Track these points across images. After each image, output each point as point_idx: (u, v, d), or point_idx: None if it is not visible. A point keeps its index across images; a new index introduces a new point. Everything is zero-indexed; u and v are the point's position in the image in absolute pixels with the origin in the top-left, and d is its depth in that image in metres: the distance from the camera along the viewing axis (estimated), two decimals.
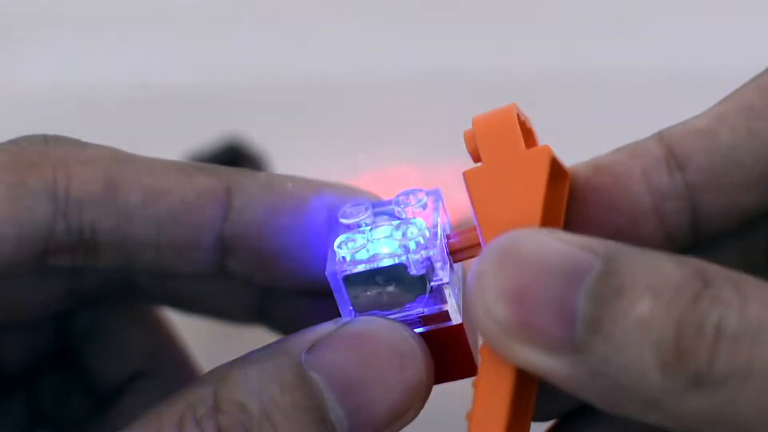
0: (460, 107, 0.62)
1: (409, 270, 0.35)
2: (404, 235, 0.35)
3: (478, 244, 0.34)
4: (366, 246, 0.35)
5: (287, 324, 0.42)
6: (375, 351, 0.34)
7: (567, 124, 0.58)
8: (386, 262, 0.35)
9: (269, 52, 0.63)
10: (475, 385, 0.33)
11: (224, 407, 0.33)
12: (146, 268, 0.38)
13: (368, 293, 0.35)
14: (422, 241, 0.35)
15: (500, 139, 0.34)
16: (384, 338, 0.34)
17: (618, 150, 0.36)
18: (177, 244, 0.37)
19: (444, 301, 0.35)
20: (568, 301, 0.30)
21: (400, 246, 0.35)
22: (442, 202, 0.37)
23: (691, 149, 0.35)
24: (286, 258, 0.37)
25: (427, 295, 0.35)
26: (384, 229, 0.36)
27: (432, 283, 0.35)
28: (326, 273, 0.35)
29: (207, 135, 0.56)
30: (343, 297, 0.35)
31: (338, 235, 0.36)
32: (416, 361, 0.34)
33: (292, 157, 0.58)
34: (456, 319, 0.35)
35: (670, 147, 0.36)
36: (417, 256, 0.35)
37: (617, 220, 0.36)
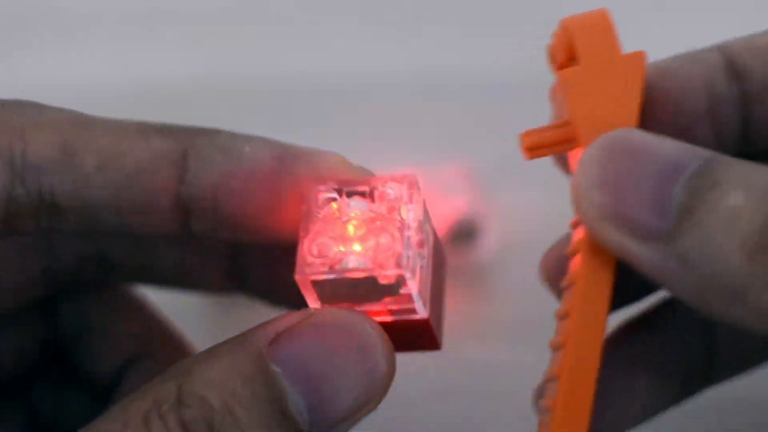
0: (461, 107, 0.62)
1: (379, 281, 0.35)
2: (378, 243, 0.35)
3: (563, 141, 0.35)
4: (337, 248, 0.35)
5: (263, 287, 0.41)
6: (337, 344, 0.34)
7: None
8: (356, 275, 0.35)
9: (269, 52, 0.63)
10: (569, 284, 0.34)
11: (187, 401, 0.33)
12: (111, 231, 0.38)
13: (336, 292, 0.35)
14: (399, 253, 0.35)
15: (598, 41, 0.34)
16: (347, 331, 0.34)
17: (678, 56, 0.37)
18: (135, 207, 0.37)
19: (411, 302, 0.35)
20: (664, 191, 0.31)
21: (371, 257, 0.35)
22: (418, 190, 0.36)
23: (752, 62, 0.36)
24: (245, 220, 0.37)
25: (395, 296, 0.36)
26: (356, 227, 0.36)
27: (401, 290, 0.35)
28: (295, 276, 0.35)
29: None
30: (310, 295, 0.35)
31: (307, 228, 0.36)
32: (378, 353, 0.34)
33: None
34: (422, 313, 0.36)
35: (730, 57, 0.37)
36: (389, 274, 0.35)
37: (678, 122, 0.37)
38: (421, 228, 0.36)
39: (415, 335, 0.37)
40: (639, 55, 0.35)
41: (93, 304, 0.44)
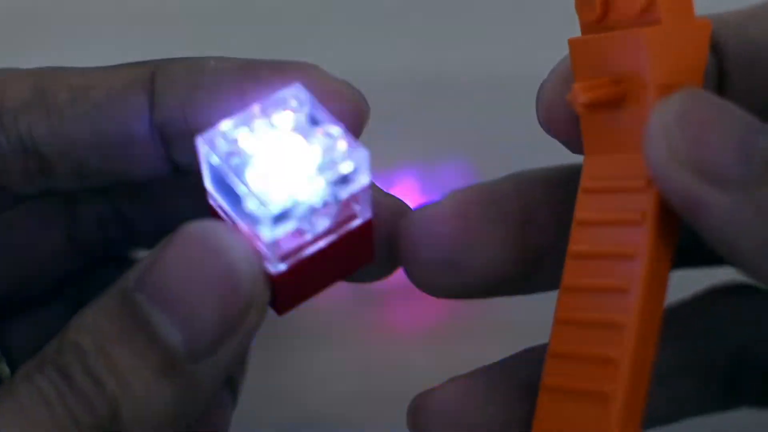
0: (461, 107, 0.62)
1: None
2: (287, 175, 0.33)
3: (617, 99, 0.34)
4: (246, 149, 0.33)
5: None
6: (193, 254, 0.33)
7: None
8: (240, 187, 0.33)
9: (269, 53, 0.63)
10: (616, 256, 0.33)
11: (62, 349, 0.32)
12: (99, 178, 0.37)
13: (224, 185, 0.34)
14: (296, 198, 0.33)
15: (680, 3, 0.34)
16: (201, 239, 0.33)
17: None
18: (114, 138, 0.36)
19: (352, 207, 0.33)
20: (750, 140, 0.31)
21: (270, 180, 0.33)
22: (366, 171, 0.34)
23: (727, 38, 0.36)
24: None
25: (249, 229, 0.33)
26: (281, 146, 0.33)
27: (258, 229, 0.33)
28: (199, 137, 0.33)
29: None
30: (204, 166, 0.34)
31: (248, 110, 0.34)
32: (236, 254, 0.33)
33: None
34: (272, 269, 0.33)
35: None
36: (256, 205, 0.33)
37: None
38: (337, 204, 0.34)
39: (352, 249, 0.35)
40: (707, 24, 0.34)
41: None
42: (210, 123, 0.35)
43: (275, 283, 0.34)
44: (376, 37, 0.64)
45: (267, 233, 0.32)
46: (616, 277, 0.34)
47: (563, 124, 0.37)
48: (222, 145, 0.33)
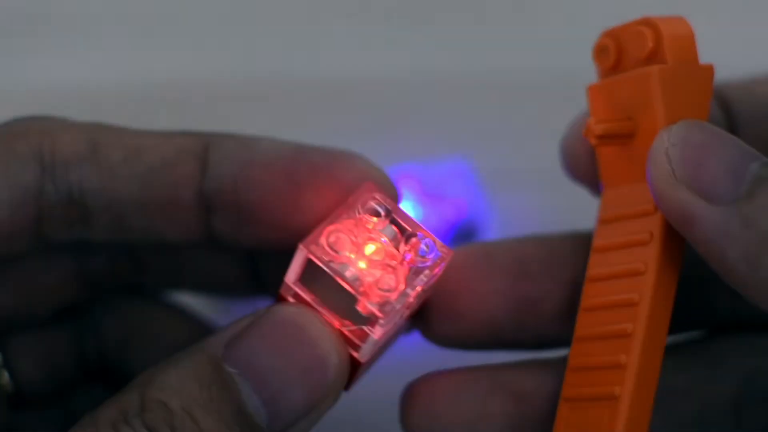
0: (460, 107, 0.62)
1: (356, 305, 0.36)
2: (381, 278, 0.36)
3: (627, 134, 0.38)
4: (347, 250, 0.36)
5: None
6: (286, 339, 0.35)
7: (566, 124, 0.58)
8: (343, 284, 0.36)
9: (269, 52, 0.63)
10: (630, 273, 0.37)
11: (149, 406, 0.34)
12: (138, 235, 0.39)
13: (318, 280, 0.36)
14: (389, 299, 0.36)
15: (684, 48, 0.38)
16: (295, 326, 0.35)
17: None
18: (160, 201, 0.38)
19: (363, 341, 0.36)
20: (742, 165, 0.34)
21: (369, 282, 0.36)
22: (440, 270, 0.37)
23: (733, 96, 0.41)
24: (264, 211, 0.39)
25: (355, 327, 0.36)
26: (376, 249, 0.37)
27: (365, 328, 0.36)
28: (301, 242, 0.36)
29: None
30: (298, 264, 0.36)
31: (339, 217, 0.36)
32: (327, 346, 0.35)
33: None
34: (363, 357, 0.37)
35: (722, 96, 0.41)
36: (369, 308, 0.36)
37: None
38: (418, 296, 0.37)
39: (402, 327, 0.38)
40: (710, 68, 0.38)
41: (135, 313, 0.45)
42: (260, 199, 0.38)
43: (360, 367, 0.37)
44: (377, 37, 0.64)
45: (378, 332, 0.36)
46: (628, 292, 0.37)
47: (585, 168, 0.41)
48: (325, 251, 0.36)
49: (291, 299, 0.37)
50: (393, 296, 0.36)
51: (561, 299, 0.41)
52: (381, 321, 0.36)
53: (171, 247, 0.41)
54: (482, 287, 0.41)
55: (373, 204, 0.37)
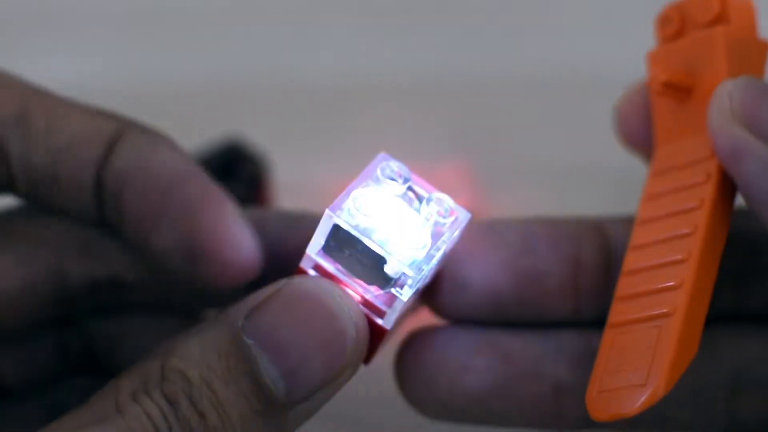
0: (460, 107, 0.62)
1: (384, 266, 0.36)
2: (408, 238, 0.36)
3: (686, 89, 0.40)
4: (372, 214, 0.36)
5: None
6: (305, 311, 0.35)
7: (567, 123, 0.58)
8: (373, 247, 0.36)
9: (269, 52, 0.63)
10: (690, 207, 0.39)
11: (169, 376, 0.35)
12: (47, 208, 0.40)
13: (342, 249, 0.36)
14: (417, 258, 0.36)
15: (746, 18, 0.41)
16: (314, 298, 0.36)
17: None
18: (65, 178, 0.39)
19: (390, 306, 0.36)
20: None
21: (397, 242, 0.36)
22: (461, 230, 0.38)
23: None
24: (141, 217, 0.40)
25: (381, 291, 0.36)
26: (399, 213, 0.37)
27: (393, 290, 0.36)
28: (328, 208, 0.36)
29: (207, 135, 0.56)
30: (322, 233, 0.36)
31: (364, 183, 0.37)
32: (345, 319, 0.36)
33: (292, 157, 0.58)
34: (387, 324, 0.37)
35: None
36: (399, 266, 0.36)
37: None
38: (440, 260, 0.37)
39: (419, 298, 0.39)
40: (766, 44, 0.40)
41: (129, 314, 0.45)
42: (140, 205, 0.39)
43: (384, 336, 0.37)
44: (377, 37, 0.64)
45: (407, 293, 0.36)
46: (681, 227, 0.39)
47: (637, 134, 0.43)
48: (352, 214, 0.36)
49: (311, 272, 0.37)
50: (420, 255, 0.36)
51: (564, 276, 0.42)
52: (410, 280, 0.36)
53: (157, 264, 0.42)
54: (488, 259, 0.41)
55: (392, 169, 0.37)
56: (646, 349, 0.37)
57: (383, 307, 0.37)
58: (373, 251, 0.36)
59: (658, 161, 0.42)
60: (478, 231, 0.42)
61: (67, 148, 0.39)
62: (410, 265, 0.36)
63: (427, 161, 0.59)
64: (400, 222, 0.37)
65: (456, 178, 0.59)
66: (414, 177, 0.38)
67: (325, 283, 0.36)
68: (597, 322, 0.41)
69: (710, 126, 0.38)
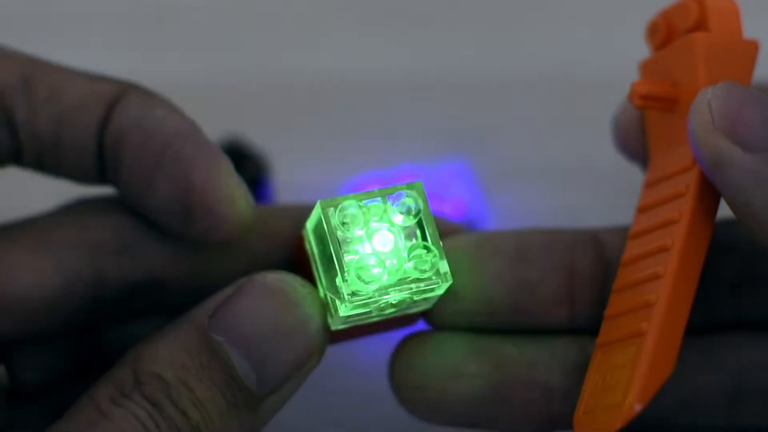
0: (460, 107, 0.62)
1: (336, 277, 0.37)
2: (372, 275, 0.37)
3: (669, 99, 0.40)
4: (360, 230, 0.37)
5: None
6: (269, 302, 0.36)
7: (567, 123, 0.58)
8: (334, 255, 0.37)
9: (270, 52, 0.63)
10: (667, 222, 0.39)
11: (144, 379, 0.36)
12: (52, 172, 0.41)
13: (321, 239, 0.37)
14: (366, 292, 0.37)
15: (728, 22, 0.40)
16: (275, 291, 0.37)
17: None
18: (67, 143, 0.40)
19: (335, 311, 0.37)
20: None
21: (364, 267, 0.37)
22: (426, 198, 0.38)
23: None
24: (140, 175, 0.40)
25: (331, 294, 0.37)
26: (384, 240, 0.37)
27: (337, 301, 0.37)
28: (319, 200, 0.37)
29: (207, 135, 0.56)
30: (315, 217, 0.37)
31: (373, 198, 0.37)
32: (307, 308, 0.37)
33: (292, 157, 0.58)
34: (333, 325, 0.38)
35: None
36: (341, 286, 0.37)
37: None
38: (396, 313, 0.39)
39: (403, 319, 0.40)
40: (755, 43, 0.40)
41: (141, 321, 0.45)
42: (139, 163, 0.40)
43: (332, 333, 0.39)
44: (376, 37, 0.64)
45: (343, 310, 0.37)
46: (662, 240, 0.39)
47: (634, 143, 0.43)
48: (336, 217, 0.37)
49: (306, 245, 0.38)
50: (369, 294, 0.37)
51: (558, 284, 0.42)
52: (347, 301, 0.37)
53: (198, 269, 0.42)
54: (482, 269, 0.42)
55: (407, 202, 0.38)
56: (625, 368, 0.37)
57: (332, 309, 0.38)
58: (333, 259, 0.37)
59: (650, 173, 0.42)
60: (472, 241, 0.42)
61: (69, 112, 0.40)
62: (352, 295, 0.36)
63: (427, 161, 0.59)
64: (378, 248, 0.37)
65: (455, 178, 0.59)
66: (429, 218, 0.38)
67: (287, 276, 0.37)
68: (593, 331, 0.41)
69: (691, 137, 0.38)
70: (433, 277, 0.37)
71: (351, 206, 0.37)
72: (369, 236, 0.37)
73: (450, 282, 0.37)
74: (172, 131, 0.40)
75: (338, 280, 0.37)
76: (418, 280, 0.37)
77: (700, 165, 0.38)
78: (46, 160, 0.41)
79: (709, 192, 0.38)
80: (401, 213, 0.37)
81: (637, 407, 0.36)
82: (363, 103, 0.61)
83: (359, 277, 0.36)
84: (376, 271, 0.37)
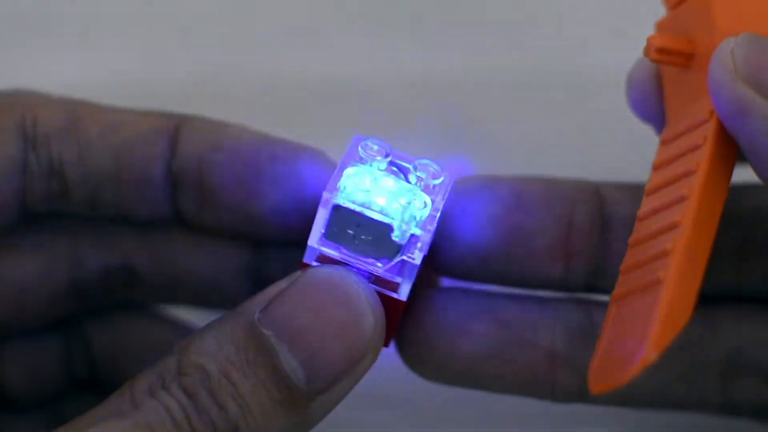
0: (460, 107, 0.62)
1: (392, 234, 0.36)
2: (408, 202, 0.37)
3: (686, 54, 0.40)
4: (368, 188, 0.37)
5: None
6: (322, 299, 0.36)
7: (567, 123, 0.58)
8: (377, 216, 0.36)
9: (269, 52, 0.63)
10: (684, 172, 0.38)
11: (186, 371, 0.35)
12: (112, 210, 0.41)
13: (344, 231, 0.37)
14: (420, 218, 0.36)
15: None
16: (330, 286, 0.36)
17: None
18: (131, 176, 0.40)
19: (401, 275, 0.37)
20: None
21: (397, 208, 0.37)
22: (449, 188, 0.38)
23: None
24: (224, 197, 0.40)
25: (391, 263, 0.37)
26: (392, 182, 0.37)
27: (404, 257, 0.37)
28: (323, 192, 0.36)
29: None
30: (322, 221, 0.37)
31: (350, 164, 0.37)
32: (363, 305, 0.36)
33: None
34: (403, 295, 0.37)
35: None
36: (406, 228, 0.36)
37: None
38: (437, 220, 0.38)
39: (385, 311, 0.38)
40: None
41: (125, 325, 0.45)
42: (220, 184, 0.40)
43: (400, 310, 0.38)
44: (376, 38, 0.64)
45: (418, 256, 0.36)
46: (679, 191, 0.38)
47: (649, 103, 0.42)
48: (349, 192, 0.37)
49: (315, 263, 0.37)
50: (423, 214, 0.37)
51: (554, 237, 0.42)
52: (419, 243, 0.36)
53: (168, 253, 0.42)
54: (478, 213, 0.41)
55: (372, 147, 0.38)
56: (641, 317, 0.37)
57: (396, 279, 0.37)
58: (377, 224, 0.36)
59: (666, 130, 0.41)
60: (471, 186, 0.42)
61: (129, 146, 0.40)
62: (416, 226, 0.36)
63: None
64: (395, 191, 0.37)
65: (456, 178, 0.59)
66: (394, 151, 0.38)
67: (340, 270, 0.36)
68: (585, 286, 0.41)
69: (711, 85, 0.37)
70: (443, 176, 0.38)
71: (350, 173, 0.37)
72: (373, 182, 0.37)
73: (456, 174, 0.38)
74: (253, 143, 0.40)
75: (396, 232, 0.36)
76: (433, 185, 0.38)
77: (719, 114, 0.37)
78: (101, 198, 0.40)
79: (726, 144, 0.38)
80: (378, 156, 0.38)
81: (654, 355, 0.35)
82: (362, 103, 0.61)
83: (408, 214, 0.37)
84: (412, 199, 0.37)
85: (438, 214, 0.37)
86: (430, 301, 0.42)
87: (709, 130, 0.38)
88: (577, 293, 0.42)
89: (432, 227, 0.37)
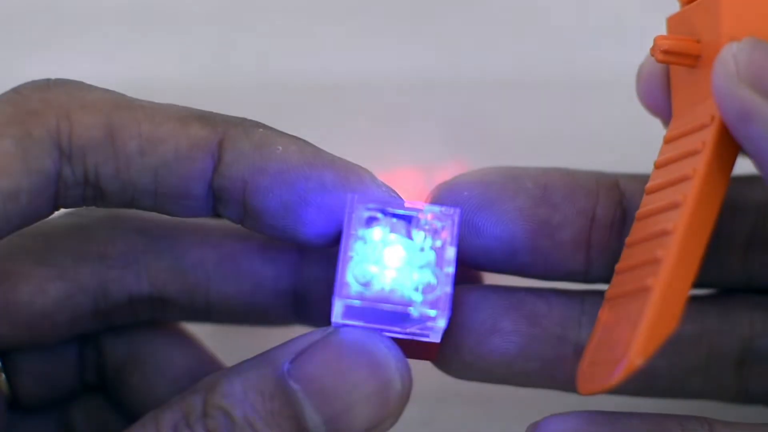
0: (460, 107, 0.62)
1: (410, 314, 0.37)
2: (419, 281, 0.37)
3: (692, 54, 0.40)
4: (375, 275, 0.37)
5: (322, 313, 0.42)
6: (352, 362, 0.36)
7: (567, 123, 0.58)
8: (390, 307, 0.37)
9: (269, 52, 0.63)
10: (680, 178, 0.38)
11: (211, 413, 0.35)
12: (149, 210, 0.40)
13: (365, 313, 0.37)
14: (433, 282, 0.37)
15: None
16: (361, 349, 0.36)
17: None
18: (172, 192, 0.39)
19: (431, 329, 0.37)
20: None
21: (410, 289, 0.37)
22: (458, 227, 0.38)
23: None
24: (269, 217, 0.39)
25: (416, 326, 0.38)
26: (397, 251, 0.38)
27: (427, 324, 0.37)
28: (333, 297, 0.37)
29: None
30: (338, 313, 0.37)
31: (348, 246, 0.37)
32: (392, 371, 0.36)
33: None
34: (435, 339, 0.38)
35: None
36: (424, 310, 0.37)
37: None
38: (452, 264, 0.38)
39: (420, 349, 0.39)
40: None
41: (140, 337, 0.45)
42: (266, 206, 0.39)
43: (436, 348, 0.39)
44: (376, 38, 0.64)
45: (441, 321, 0.37)
46: (675, 195, 0.38)
47: (657, 98, 0.43)
48: (358, 274, 0.37)
49: (344, 320, 0.38)
50: (440, 291, 0.37)
51: (579, 229, 0.42)
52: (439, 316, 0.37)
53: (200, 282, 0.43)
54: (505, 205, 0.42)
55: (364, 213, 0.38)
56: (629, 322, 0.37)
57: (425, 334, 0.37)
58: (392, 312, 0.37)
59: (671, 128, 0.41)
60: (497, 177, 0.42)
61: (168, 165, 0.39)
62: (433, 303, 0.37)
63: (426, 162, 0.59)
64: (404, 265, 0.37)
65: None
66: (391, 202, 0.38)
67: (373, 334, 0.37)
68: (606, 279, 0.41)
69: (715, 89, 0.37)
70: (447, 216, 0.38)
71: (356, 263, 0.37)
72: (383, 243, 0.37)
73: (458, 208, 0.37)
74: (305, 166, 0.39)
75: (413, 312, 0.37)
76: (440, 229, 0.38)
77: (723, 118, 0.38)
78: (139, 206, 0.40)
79: (725, 150, 0.38)
80: (424, 232, 0.38)
81: (638, 361, 0.36)
82: (362, 103, 0.61)
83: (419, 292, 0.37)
84: (421, 276, 0.37)
85: (451, 260, 0.37)
86: (459, 300, 0.42)
87: (709, 135, 0.38)
88: (596, 285, 0.43)
89: (448, 280, 0.37)
